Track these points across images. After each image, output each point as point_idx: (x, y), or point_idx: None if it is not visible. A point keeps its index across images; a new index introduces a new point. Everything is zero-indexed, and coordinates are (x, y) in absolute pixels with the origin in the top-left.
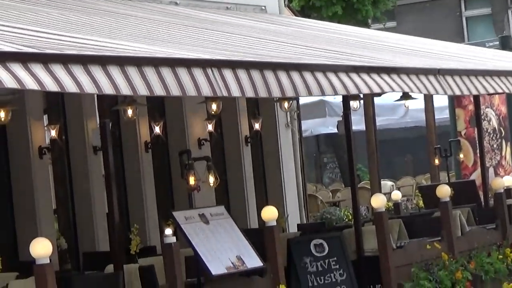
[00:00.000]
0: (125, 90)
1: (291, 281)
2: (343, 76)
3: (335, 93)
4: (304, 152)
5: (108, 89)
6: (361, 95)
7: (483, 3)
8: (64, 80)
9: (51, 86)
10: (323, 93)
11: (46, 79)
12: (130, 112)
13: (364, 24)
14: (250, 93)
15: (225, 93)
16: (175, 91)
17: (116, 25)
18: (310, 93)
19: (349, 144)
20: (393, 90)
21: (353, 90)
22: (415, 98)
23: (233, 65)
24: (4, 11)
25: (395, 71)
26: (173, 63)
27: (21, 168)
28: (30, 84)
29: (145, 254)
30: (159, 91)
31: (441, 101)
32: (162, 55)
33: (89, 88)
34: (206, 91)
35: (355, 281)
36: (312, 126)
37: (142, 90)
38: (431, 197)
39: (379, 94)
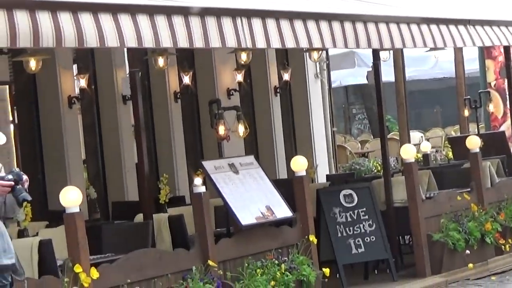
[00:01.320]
0: (149, 43)
1: (320, 231)
2: (371, 26)
3: (358, 46)
4: (333, 102)
5: (131, 41)
6: None
7: None
8: (87, 31)
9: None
10: (346, 45)
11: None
12: (161, 61)
13: None
14: (276, 44)
15: (249, 45)
16: (199, 43)
17: None
18: (335, 45)
19: (379, 95)
20: (415, 46)
21: (375, 45)
22: (444, 49)
23: (263, 14)
24: None
25: (425, 21)
26: (203, 12)
27: (50, 118)
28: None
29: (174, 204)
30: (183, 42)
31: (471, 53)
32: (191, 4)
33: (112, 41)
34: (231, 42)
35: (384, 232)
36: (341, 77)
37: (166, 42)
38: (461, 148)
39: None
